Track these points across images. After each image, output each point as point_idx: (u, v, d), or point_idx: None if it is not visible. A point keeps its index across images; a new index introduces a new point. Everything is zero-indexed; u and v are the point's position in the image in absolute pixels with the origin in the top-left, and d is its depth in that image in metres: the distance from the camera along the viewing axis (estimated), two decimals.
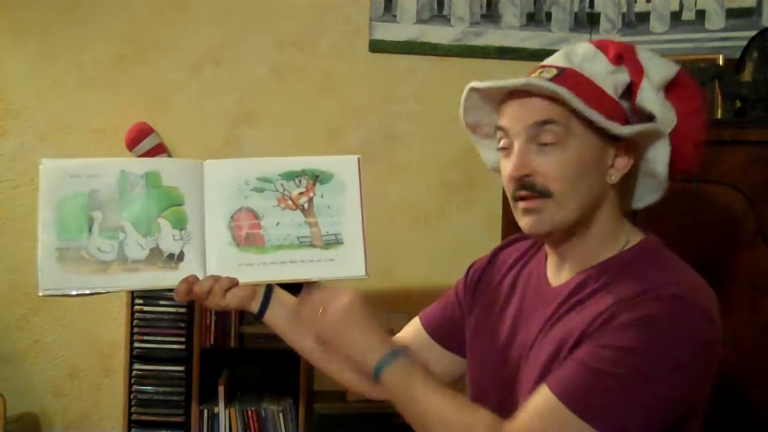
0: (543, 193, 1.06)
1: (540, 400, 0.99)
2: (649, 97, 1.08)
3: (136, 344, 2.40)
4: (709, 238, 1.79)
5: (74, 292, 1.15)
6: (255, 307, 1.24)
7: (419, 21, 2.64)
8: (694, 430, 1.05)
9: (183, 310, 2.39)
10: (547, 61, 1.13)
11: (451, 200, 2.68)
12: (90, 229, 1.16)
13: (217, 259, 1.19)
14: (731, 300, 1.70)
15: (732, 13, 2.50)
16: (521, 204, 1.08)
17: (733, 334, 1.71)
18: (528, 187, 1.06)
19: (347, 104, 2.65)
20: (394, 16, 2.63)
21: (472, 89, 1.13)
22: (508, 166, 1.09)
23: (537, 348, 1.10)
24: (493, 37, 2.65)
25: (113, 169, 1.18)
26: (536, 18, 2.66)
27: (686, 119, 1.10)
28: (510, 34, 2.65)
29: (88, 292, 1.16)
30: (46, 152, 2.57)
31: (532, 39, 2.65)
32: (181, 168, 1.20)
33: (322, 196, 1.21)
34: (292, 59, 2.64)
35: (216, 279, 1.17)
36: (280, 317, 1.26)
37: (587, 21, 2.65)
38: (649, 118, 1.09)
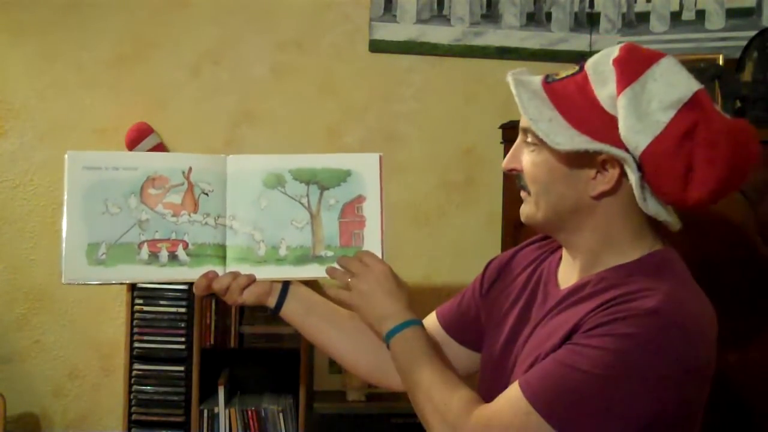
0: (524, 189, 1.12)
1: (511, 392, 1.01)
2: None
3: (136, 344, 2.39)
4: (709, 238, 1.78)
5: (97, 282, 1.19)
6: (272, 302, 1.25)
7: (419, 21, 2.63)
8: None
9: (183, 310, 2.39)
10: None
11: (451, 200, 2.68)
12: (115, 223, 1.18)
13: (236, 256, 1.21)
14: (731, 300, 1.70)
15: (732, 13, 2.50)
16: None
17: (733, 335, 1.71)
18: (518, 179, 1.12)
19: (347, 104, 2.65)
20: (394, 16, 2.63)
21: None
22: None
23: (526, 346, 1.11)
24: (493, 37, 2.65)
25: (141, 164, 1.21)
26: (536, 18, 2.66)
27: None
28: (510, 34, 2.65)
29: (113, 282, 1.20)
30: (45, 152, 2.58)
31: (532, 39, 2.65)
32: (207, 163, 1.22)
33: (336, 200, 1.23)
34: (292, 59, 2.64)
35: (234, 276, 1.20)
36: (296, 312, 1.27)
37: (587, 21, 2.65)
38: None
